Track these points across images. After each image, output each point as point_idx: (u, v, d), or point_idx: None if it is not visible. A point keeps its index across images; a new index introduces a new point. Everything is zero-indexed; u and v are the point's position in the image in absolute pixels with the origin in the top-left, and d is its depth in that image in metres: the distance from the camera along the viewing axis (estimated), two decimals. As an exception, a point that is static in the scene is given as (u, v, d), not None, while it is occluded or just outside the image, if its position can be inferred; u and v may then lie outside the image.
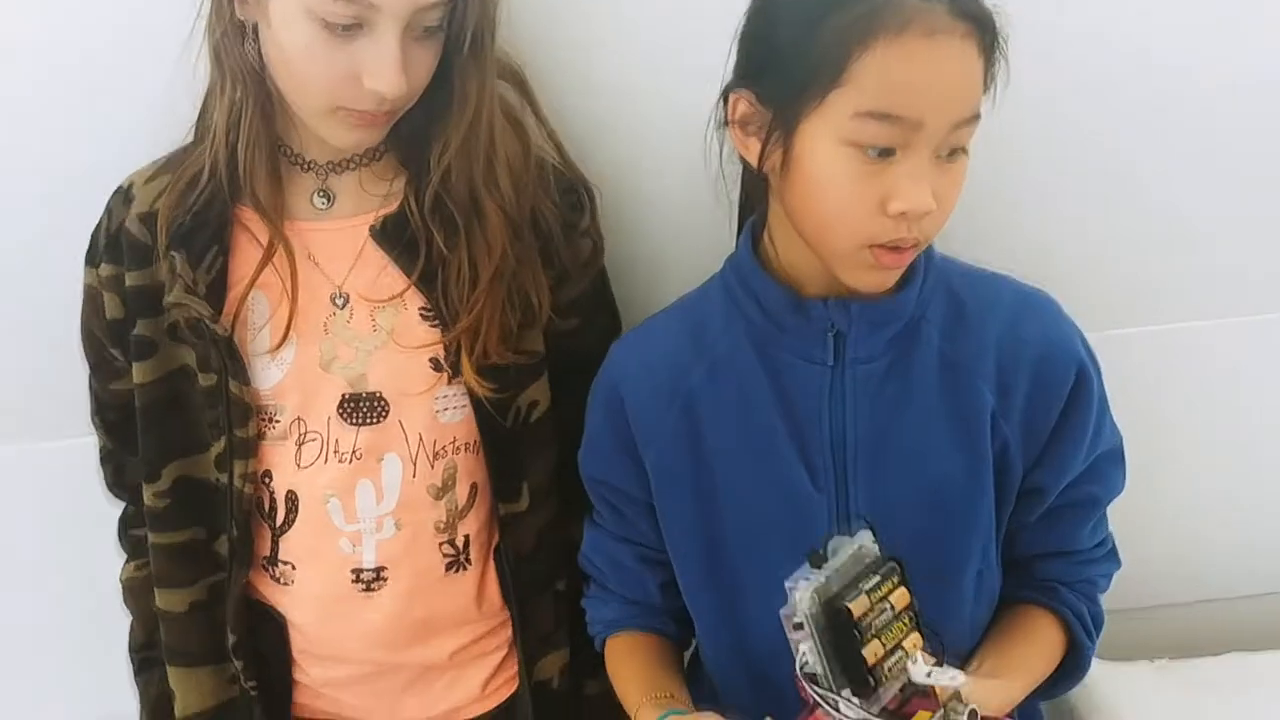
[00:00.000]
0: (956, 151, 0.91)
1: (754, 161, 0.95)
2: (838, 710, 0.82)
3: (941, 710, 0.84)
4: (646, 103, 1.21)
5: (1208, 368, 1.35)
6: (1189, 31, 1.22)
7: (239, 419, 1.09)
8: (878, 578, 0.84)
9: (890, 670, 0.83)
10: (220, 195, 1.07)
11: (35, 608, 1.38)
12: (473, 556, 1.14)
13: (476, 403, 1.09)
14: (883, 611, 0.84)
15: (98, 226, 1.13)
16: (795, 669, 0.83)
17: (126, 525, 1.23)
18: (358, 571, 1.11)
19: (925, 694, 0.85)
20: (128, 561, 1.24)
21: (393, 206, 1.08)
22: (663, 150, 1.18)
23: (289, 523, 1.12)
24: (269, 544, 1.13)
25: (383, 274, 1.08)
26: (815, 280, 0.99)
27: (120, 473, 1.21)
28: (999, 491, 1.01)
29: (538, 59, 1.16)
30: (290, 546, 1.13)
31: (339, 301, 1.09)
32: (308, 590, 1.13)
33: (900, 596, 0.85)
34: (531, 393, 1.12)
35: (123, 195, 1.11)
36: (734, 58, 0.97)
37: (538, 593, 1.17)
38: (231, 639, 1.14)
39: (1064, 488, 1.03)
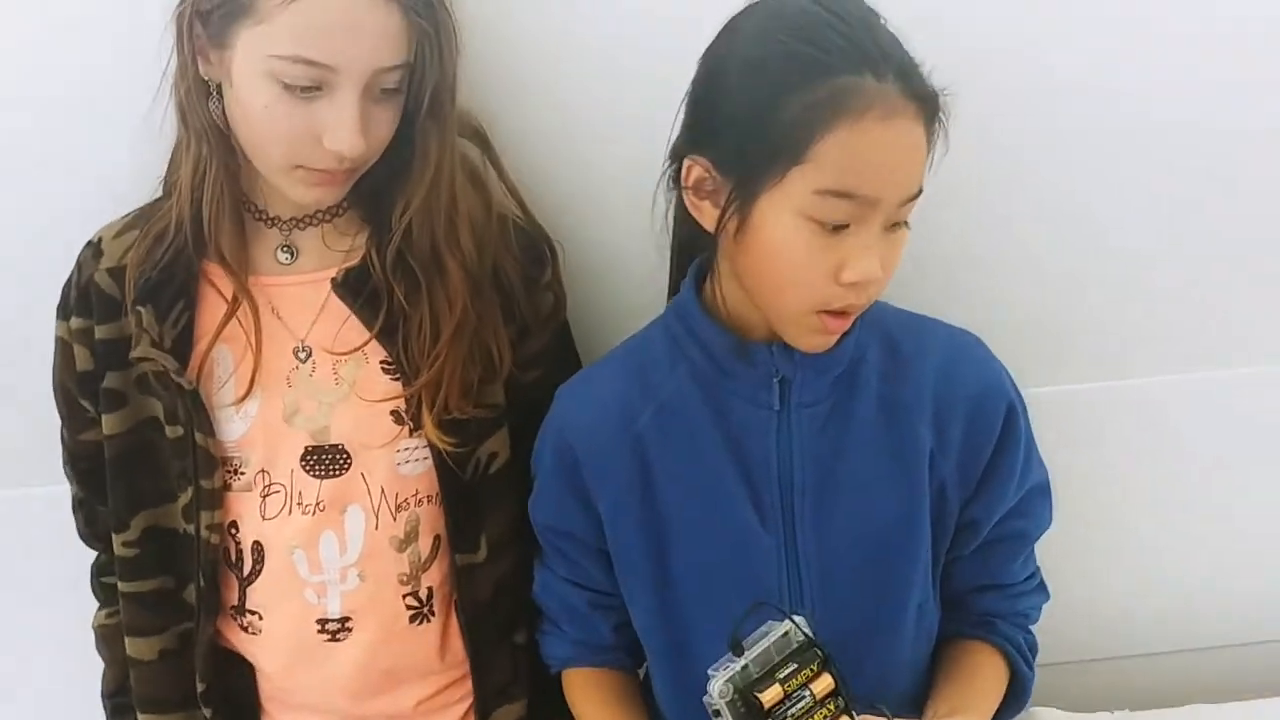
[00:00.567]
0: (899, 224, 0.94)
1: (708, 225, 0.97)
2: None
3: None
4: (610, 159, 1.22)
5: (1170, 419, 1.35)
6: (1154, 85, 1.23)
7: (205, 470, 1.09)
8: (795, 665, 0.85)
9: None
10: (186, 250, 1.08)
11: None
12: (436, 608, 1.15)
13: (437, 455, 1.10)
14: (800, 700, 0.85)
15: (68, 280, 1.14)
16: None
17: (99, 572, 1.24)
18: (323, 621, 1.12)
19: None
20: (100, 608, 1.24)
21: (355, 260, 1.10)
22: (625, 205, 1.18)
23: (256, 573, 1.13)
24: (237, 593, 1.14)
25: (345, 327, 1.09)
26: (760, 326, 1.01)
27: (92, 521, 1.22)
28: (937, 526, 1.04)
29: (500, 117, 1.18)
30: (257, 596, 1.13)
31: (301, 355, 1.10)
32: (275, 639, 1.14)
33: (823, 684, 0.86)
34: (491, 444, 1.13)
35: (93, 250, 1.12)
36: (682, 118, 0.98)
37: (494, 643, 1.17)
38: (201, 686, 1.14)
39: (996, 522, 1.06)
